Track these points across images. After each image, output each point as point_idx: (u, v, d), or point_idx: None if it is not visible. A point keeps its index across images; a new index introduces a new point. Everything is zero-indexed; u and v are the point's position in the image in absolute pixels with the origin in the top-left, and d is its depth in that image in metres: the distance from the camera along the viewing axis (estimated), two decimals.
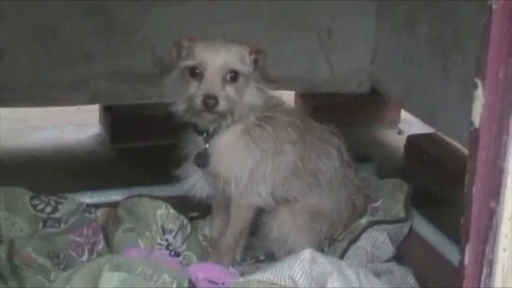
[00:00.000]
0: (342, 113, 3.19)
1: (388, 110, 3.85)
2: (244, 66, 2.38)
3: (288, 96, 3.30)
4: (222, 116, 2.37)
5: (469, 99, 1.81)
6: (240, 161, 2.47)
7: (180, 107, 2.40)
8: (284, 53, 3.25)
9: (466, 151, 3.10)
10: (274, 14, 3.44)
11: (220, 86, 2.33)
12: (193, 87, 2.35)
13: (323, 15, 3.55)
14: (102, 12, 3.25)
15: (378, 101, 3.78)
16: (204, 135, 2.45)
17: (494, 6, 1.73)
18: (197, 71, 2.34)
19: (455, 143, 3.31)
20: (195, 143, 2.49)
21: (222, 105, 2.32)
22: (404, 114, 3.82)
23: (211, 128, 2.43)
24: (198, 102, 2.31)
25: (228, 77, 2.35)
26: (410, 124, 3.80)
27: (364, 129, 3.74)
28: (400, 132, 3.83)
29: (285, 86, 3.15)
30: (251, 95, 2.43)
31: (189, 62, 2.36)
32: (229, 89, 2.35)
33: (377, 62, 3.68)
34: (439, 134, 3.41)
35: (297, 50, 3.51)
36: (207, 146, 2.45)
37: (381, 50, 3.65)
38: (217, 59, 2.34)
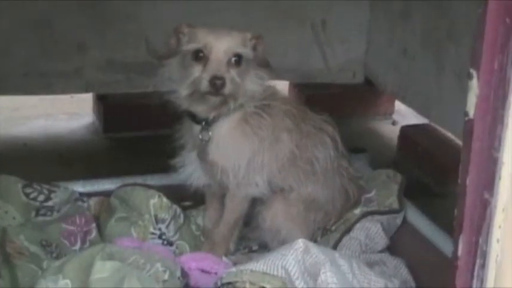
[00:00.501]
0: (335, 104, 3.18)
1: (382, 101, 3.86)
2: (247, 51, 2.37)
3: (281, 86, 3.29)
4: (226, 100, 2.36)
5: (463, 91, 1.81)
6: (238, 150, 2.46)
7: (183, 93, 2.38)
8: (279, 43, 3.23)
9: (459, 142, 3.11)
10: (268, 5, 3.44)
11: (226, 69, 2.32)
12: (197, 70, 2.33)
13: (317, 6, 3.55)
14: (96, 2, 3.24)
15: (372, 91, 3.78)
16: (203, 123, 2.43)
17: None
18: (201, 54, 2.32)
19: (448, 134, 3.31)
20: (191, 133, 2.48)
21: (228, 87, 2.30)
22: (398, 105, 3.83)
23: (210, 116, 2.42)
24: (205, 83, 2.30)
25: (233, 60, 2.34)
26: (404, 115, 3.81)
27: (357, 120, 3.74)
28: (393, 123, 3.84)
29: (280, 76, 3.14)
30: (251, 82, 2.42)
31: (193, 45, 2.34)
32: (234, 73, 2.34)
33: (371, 52, 3.68)
34: (433, 124, 3.41)
35: (291, 41, 3.51)
36: (209, 135, 2.43)
37: (376, 41, 3.65)
38: (222, 42, 2.33)
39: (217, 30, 2.37)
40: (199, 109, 2.41)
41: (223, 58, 2.32)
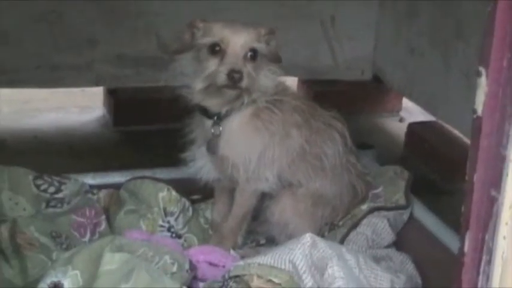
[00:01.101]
0: (343, 100, 3.18)
1: (390, 98, 3.85)
2: (262, 45, 2.37)
3: (290, 82, 3.28)
4: (241, 94, 2.36)
5: (470, 89, 1.81)
6: (249, 145, 2.46)
7: (198, 86, 2.37)
8: (288, 40, 3.22)
9: (466, 139, 3.10)
10: (278, 2, 3.43)
11: (242, 63, 2.31)
12: (213, 64, 2.32)
13: (326, 3, 3.55)
14: None
15: (380, 88, 3.77)
16: (215, 118, 2.43)
17: None
18: (217, 48, 2.31)
19: (455, 132, 3.30)
20: (202, 127, 2.48)
21: (245, 81, 2.29)
22: (405, 102, 3.82)
23: (223, 111, 2.42)
24: (223, 77, 2.28)
25: (249, 55, 2.33)
26: (412, 112, 3.80)
27: (365, 117, 3.74)
28: (401, 120, 3.83)
29: (289, 72, 3.13)
30: (265, 76, 2.42)
31: (210, 39, 2.33)
32: (249, 67, 2.33)
33: (379, 50, 3.68)
34: (440, 122, 3.41)
35: (300, 37, 3.50)
36: (220, 130, 2.43)
37: (384, 39, 3.64)
38: (238, 36, 2.32)
39: (233, 24, 2.36)
40: (212, 103, 2.41)
41: (240, 52, 2.31)
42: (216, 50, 2.32)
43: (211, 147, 2.46)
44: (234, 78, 2.28)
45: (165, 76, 2.44)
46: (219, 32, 2.33)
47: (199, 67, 2.36)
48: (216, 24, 2.36)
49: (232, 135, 2.45)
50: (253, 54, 2.34)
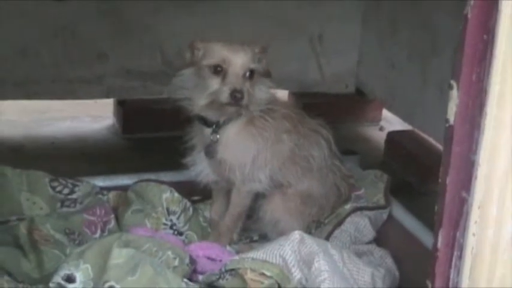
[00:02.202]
0: (329, 111, 3.17)
1: (371, 109, 3.85)
2: (257, 64, 2.37)
3: (281, 95, 3.28)
4: (240, 109, 2.35)
5: (444, 101, 1.80)
6: (244, 149, 2.45)
7: (200, 102, 2.37)
8: (279, 55, 3.21)
9: (440, 146, 3.09)
10: (271, 21, 3.44)
11: (242, 82, 2.31)
12: (216, 82, 2.32)
13: (315, 22, 3.54)
14: (116, 15, 3.25)
15: (362, 100, 3.77)
16: (214, 126, 2.42)
17: (469, 15, 1.72)
18: (219, 68, 2.31)
19: (430, 139, 3.30)
20: (201, 134, 2.48)
21: (246, 99, 2.30)
22: (385, 113, 3.82)
23: (221, 120, 2.41)
24: (225, 96, 2.29)
25: (247, 74, 2.33)
26: (391, 122, 3.80)
27: (349, 126, 3.74)
28: (381, 129, 3.83)
29: (280, 85, 3.14)
30: (259, 90, 2.42)
31: (212, 60, 2.33)
32: (248, 85, 2.33)
33: (362, 65, 3.67)
34: (416, 131, 3.40)
35: (291, 53, 3.50)
36: (217, 137, 2.42)
37: (366, 55, 3.64)
38: (238, 58, 2.32)
39: (232, 45, 2.36)
40: (211, 114, 2.41)
41: (240, 72, 2.32)
42: (218, 70, 2.32)
43: (210, 152, 2.45)
44: (236, 97, 2.28)
45: (168, 89, 2.43)
46: (220, 53, 2.33)
47: (201, 83, 2.36)
48: (215, 45, 2.36)
49: (229, 141, 2.44)
50: (251, 74, 2.34)
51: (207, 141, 2.45)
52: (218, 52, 2.34)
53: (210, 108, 2.38)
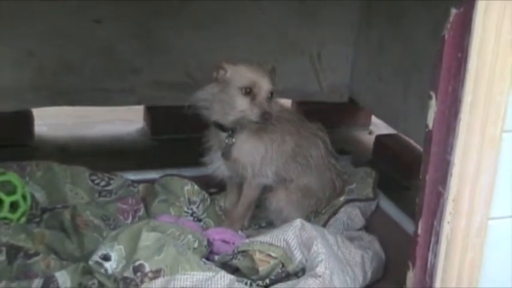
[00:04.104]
0: (326, 117, 3.14)
1: (362, 115, 3.83)
2: (274, 86, 2.35)
3: (284, 102, 3.27)
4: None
5: (424, 109, 1.79)
6: (255, 150, 2.44)
7: (229, 118, 2.35)
8: (284, 70, 3.20)
9: (420, 148, 3.08)
10: (277, 41, 3.43)
11: (269, 104, 2.30)
12: (245, 103, 2.30)
13: (314, 42, 3.53)
14: (147, 37, 3.25)
15: (354, 108, 3.75)
16: (230, 132, 2.41)
17: (446, 37, 1.71)
18: (248, 90, 2.29)
19: (412, 142, 3.28)
20: (217, 137, 2.47)
21: (271, 119, 2.30)
22: (374, 119, 3.80)
23: (237, 127, 2.40)
24: (256, 116, 2.28)
25: (269, 95, 2.32)
26: (379, 126, 3.77)
27: (343, 130, 3.72)
28: (370, 133, 3.81)
29: (284, 95, 3.13)
30: (274, 105, 2.39)
31: (244, 83, 2.30)
32: (269, 104, 2.31)
33: (354, 79, 3.66)
34: (400, 134, 3.38)
35: (293, 68, 3.49)
36: (233, 141, 2.41)
37: (358, 70, 3.63)
38: (265, 82, 2.30)
39: (258, 70, 2.33)
40: (229, 122, 2.39)
41: (266, 95, 2.30)
42: (247, 91, 2.30)
43: (226, 153, 2.44)
44: (266, 118, 2.27)
45: (191, 99, 2.42)
46: (250, 77, 2.31)
47: (227, 100, 2.33)
48: (244, 68, 2.33)
49: (242, 144, 2.43)
50: (271, 95, 2.33)
51: (223, 144, 2.44)
52: (248, 76, 2.31)
53: (236, 123, 2.36)
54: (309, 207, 2.58)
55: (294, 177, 2.53)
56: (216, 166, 2.51)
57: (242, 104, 2.31)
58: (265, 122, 2.30)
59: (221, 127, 2.42)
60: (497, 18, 1.63)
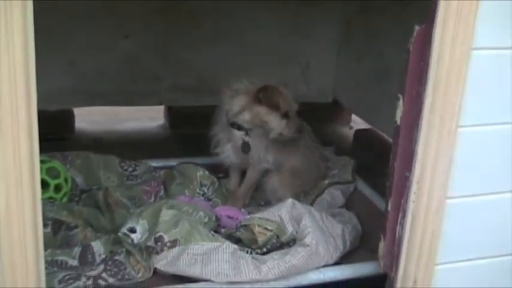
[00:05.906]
0: (313, 115, 3.14)
1: (344, 114, 3.81)
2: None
3: None
4: None
5: (393, 108, 1.79)
6: (263, 143, 2.45)
7: (271, 135, 2.37)
8: (276, 77, 3.18)
9: (390, 140, 3.07)
10: (273, 53, 3.41)
11: (296, 119, 2.37)
12: (276, 119, 2.34)
13: (303, 52, 3.52)
14: (168, 49, 3.24)
15: (338, 108, 3.74)
16: (247, 131, 2.41)
17: (411, 49, 1.71)
18: (285, 112, 2.33)
19: (385, 135, 3.28)
20: (229, 133, 2.45)
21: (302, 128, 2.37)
22: (354, 117, 3.79)
23: (253, 128, 2.40)
24: (292, 132, 2.36)
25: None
26: (358, 123, 3.76)
27: (328, 126, 3.71)
28: (351, 128, 3.80)
29: None
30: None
31: (284, 107, 2.33)
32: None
33: (338, 83, 3.65)
34: (375, 129, 3.38)
35: (286, 76, 3.43)
36: (249, 139, 2.41)
37: (340, 77, 3.62)
38: (294, 105, 2.38)
39: (289, 94, 2.37)
40: (248, 125, 2.39)
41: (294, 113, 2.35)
42: (277, 107, 2.32)
43: (245, 148, 2.44)
44: (300, 130, 2.37)
45: (203, 99, 2.41)
46: (287, 101, 2.34)
47: (256, 113, 2.33)
48: (281, 92, 2.34)
49: (255, 139, 2.43)
50: None
51: (237, 140, 2.43)
52: (285, 101, 2.33)
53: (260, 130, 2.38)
54: (297, 187, 2.56)
55: (285, 161, 2.53)
56: (226, 155, 2.51)
57: (276, 121, 2.34)
58: (291, 136, 2.35)
59: (238, 127, 2.42)
60: (452, 34, 1.63)
